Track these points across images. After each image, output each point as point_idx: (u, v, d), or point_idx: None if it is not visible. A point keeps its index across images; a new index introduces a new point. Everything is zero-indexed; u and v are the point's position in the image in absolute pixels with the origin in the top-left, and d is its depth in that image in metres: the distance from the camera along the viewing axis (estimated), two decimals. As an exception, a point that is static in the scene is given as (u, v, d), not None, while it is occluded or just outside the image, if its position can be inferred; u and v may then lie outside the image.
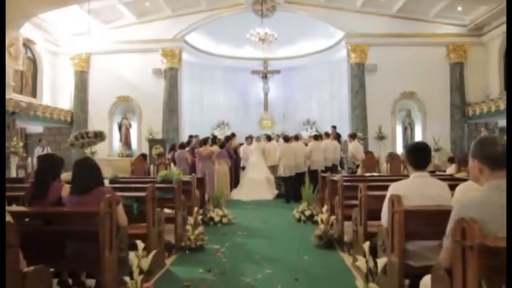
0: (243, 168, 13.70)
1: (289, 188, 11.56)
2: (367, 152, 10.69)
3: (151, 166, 10.13)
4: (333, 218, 6.72)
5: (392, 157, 10.50)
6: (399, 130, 16.00)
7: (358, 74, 15.72)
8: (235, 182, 12.81)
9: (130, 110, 16.25)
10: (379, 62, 15.72)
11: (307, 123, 17.93)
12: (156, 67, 15.93)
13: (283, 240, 7.21)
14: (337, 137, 13.75)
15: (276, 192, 12.39)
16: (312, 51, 17.61)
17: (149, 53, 15.91)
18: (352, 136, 12.87)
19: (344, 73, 16.47)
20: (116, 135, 16.23)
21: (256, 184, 12.29)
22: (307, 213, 8.54)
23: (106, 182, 7.74)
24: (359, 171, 10.17)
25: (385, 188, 4.31)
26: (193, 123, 17.14)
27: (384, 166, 10.30)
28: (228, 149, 12.54)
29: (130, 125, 16.18)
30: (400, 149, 15.84)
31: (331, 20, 15.90)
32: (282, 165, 11.55)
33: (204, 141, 11.91)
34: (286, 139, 11.82)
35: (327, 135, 12.70)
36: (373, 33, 15.60)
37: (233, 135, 13.38)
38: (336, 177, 7.56)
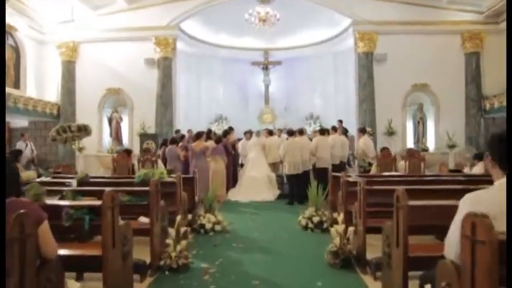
0: (242, 165, 12.22)
1: (294, 187, 10.08)
2: (383, 149, 9.19)
3: (136, 163, 8.68)
4: (350, 229, 5.24)
5: (410, 154, 8.99)
6: (410, 125, 14.50)
7: (367, 64, 14.21)
8: (232, 181, 11.33)
9: (121, 102, 14.76)
10: (389, 51, 14.20)
11: (310, 118, 16.44)
12: (148, 57, 14.41)
13: (288, 256, 5.73)
14: (344, 132, 12.24)
15: (278, 192, 10.92)
16: (316, 41, 16.08)
17: (141, 41, 14.39)
18: (362, 131, 11.39)
19: (351, 64, 14.96)
20: (106, 129, 14.75)
21: (256, 183, 10.81)
22: (316, 219, 7.06)
23: (73, 183, 6.31)
24: (373, 170, 8.69)
25: (428, 194, 3.04)
26: (190, 117, 15.67)
27: (402, 164, 8.81)
28: (225, 144, 11.06)
29: (121, 119, 14.69)
30: (410, 146, 14.37)
31: (337, 7, 14.36)
32: (286, 162, 10.07)
33: (198, 136, 10.44)
34: (291, 133, 10.33)
35: (334, 129, 11.21)
36: (383, 21, 14.07)
37: (231, 129, 11.89)
38: (353, 177, 6.08)
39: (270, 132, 12.03)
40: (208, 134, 11.10)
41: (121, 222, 3.86)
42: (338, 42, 15.53)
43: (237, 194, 10.76)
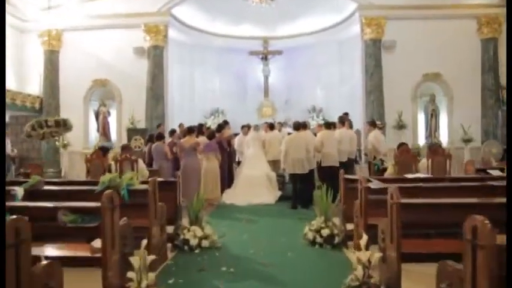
0: (239, 163, 10.80)
1: (297, 189, 8.64)
2: (401, 144, 7.67)
3: (113, 164, 7.23)
4: (376, 255, 3.82)
5: (434, 150, 7.47)
6: (421, 118, 13.04)
7: (374, 52, 12.73)
8: (228, 181, 9.91)
9: (108, 95, 13.31)
10: (398, 38, 12.72)
11: (313, 111, 14.95)
12: (138, 45, 12.95)
13: (294, 286, 4.31)
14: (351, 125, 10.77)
15: (279, 193, 9.49)
16: (319, 28, 14.55)
17: (130, 29, 12.91)
18: (372, 124, 9.94)
19: (357, 52, 13.47)
20: (93, 124, 13.30)
21: (254, 183, 9.39)
22: (325, 233, 5.63)
23: (18, 192, 4.88)
24: (390, 170, 7.22)
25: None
26: (183, 110, 14.21)
27: (423, 163, 7.34)
28: (220, 140, 9.63)
29: (108, 113, 13.24)
30: (422, 140, 12.94)
31: (342, -10, 12.90)
32: (290, 159, 8.61)
33: (189, 131, 9.01)
34: (298, 126, 8.83)
35: (342, 122, 9.75)
36: (392, 5, 12.56)
37: (225, 123, 10.46)
38: (376, 183, 4.66)
39: (271, 126, 10.59)
40: (200, 129, 9.67)
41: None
42: (343, 29, 14.02)
43: (232, 196, 9.34)
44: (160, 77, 12.94)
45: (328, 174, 8.87)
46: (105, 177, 4.75)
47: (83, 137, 13.12)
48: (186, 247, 5.45)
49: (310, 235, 5.74)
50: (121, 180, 4.68)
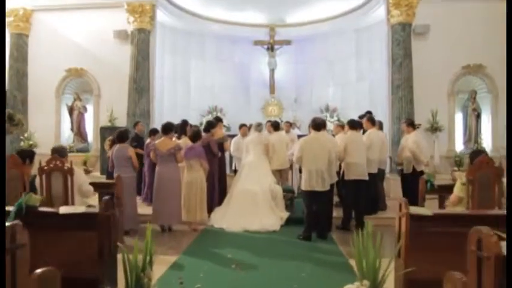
0: (235, 171, 8.07)
1: (314, 212, 5.83)
2: (477, 153, 4.66)
3: (37, 176, 4.54)
4: None
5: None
6: (459, 118, 10.22)
7: (403, 38, 9.91)
8: (219, 196, 7.14)
9: (85, 87, 10.65)
10: (432, 21, 9.93)
11: (326, 110, 12.15)
12: (119, 28, 10.28)
13: None
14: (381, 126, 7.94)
15: (285, 215, 6.71)
16: (333, 15, 11.73)
17: (110, 9, 10.21)
18: (411, 124, 7.13)
19: (379, 41, 10.73)
20: (66, 122, 10.64)
21: (253, 202, 6.61)
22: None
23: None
24: (458, 192, 4.38)
25: None
26: (175, 108, 11.53)
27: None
28: (208, 142, 6.89)
29: (85, 109, 10.56)
30: (459, 146, 10.11)
31: (364, -35, 10.16)
32: (306, 171, 5.77)
33: (165, 129, 6.29)
34: (318, 125, 5.93)
35: (372, 121, 6.96)
36: (425, -19, 9.83)
37: (217, 120, 7.69)
38: None
39: (276, 126, 7.83)
40: (184, 127, 6.93)
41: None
42: (363, 14, 11.20)
43: (222, 218, 6.56)
44: (145, 66, 10.23)
45: (353, 191, 6.12)
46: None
47: (54, 136, 10.44)
48: None
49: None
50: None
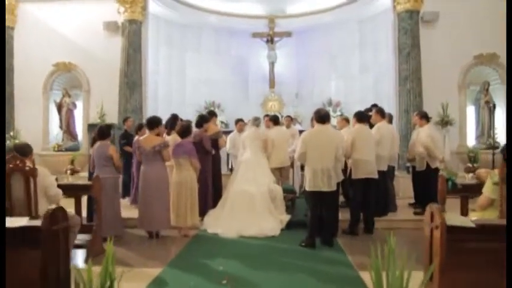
0: (231, 170, 7.33)
1: (318, 216, 5.06)
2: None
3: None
4: None
5: None
6: (471, 112, 9.45)
7: (411, 26, 9.14)
8: (214, 198, 6.39)
9: (74, 83, 9.92)
10: (441, 8, 9.18)
11: (329, 105, 11.33)
12: (109, 19, 9.54)
13: None
14: (390, 119, 7.16)
15: (286, 218, 5.95)
16: (337, 4, 10.92)
17: (100, -1, 9.55)
18: (424, 116, 6.36)
19: (384, 31, 9.97)
20: (55, 119, 9.91)
21: (250, 204, 5.85)
22: None
23: None
24: (488, 192, 3.64)
25: None
26: (170, 104, 10.72)
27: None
28: (201, 138, 6.15)
29: (74, 105, 9.83)
30: (471, 141, 9.34)
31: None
32: (310, 169, 4.99)
33: (150, 124, 5.54)
34: (322, 117, 5.02)
35: (382, 114, 6.19)
36: (434, -35, 9.05)
37: (211, 114, 6.90)
38: None
39: (275, 120, 7.06)
40: (174, 122, 6.19)
41: None
42: (367, 3, 10.43)
43: (217, 222, 5.81)
44: (137, 59, 9.50)
45: (362, 192, 5.37)
46: None
47: (42, 135, 9.74)
48: None
49: None
50: None
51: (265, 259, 4.64)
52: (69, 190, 4.92)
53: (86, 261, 4.53)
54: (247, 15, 11.48)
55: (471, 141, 9.32)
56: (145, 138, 5.44)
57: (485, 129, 9.17)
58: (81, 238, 4.66)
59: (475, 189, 4.50)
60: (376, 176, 5.50)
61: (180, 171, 5.51)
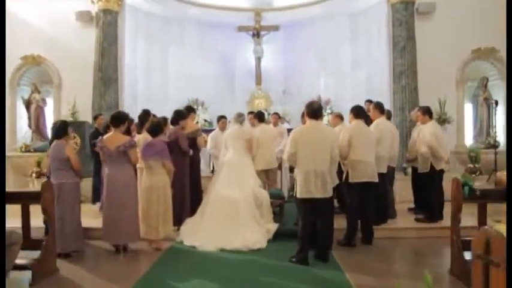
0: (213, 171, 6.50)
1: (311, 226, 4.25)
2: None
3: None
4: None
5: None
6: (468, 109, 8.77)
7: (406, 18, 8.43)
8: (192, 204, 5.53)
9: (43, 77, 8.99)
10: (438, 0, 8.51)
11: (318, 103, 10.59)
12: (82, 9, 8.64)
13: None
14: (389, 115, 6.39)
15: (274, 227, 5.13)
16: (326, -4, 10.24)
17: (72, -13, 8.64)
18: (427, 111, 5.61)
19: (376, 25, 9.28)
20: (23, 117, 8.96)
21: (232, 211, 5.02)
22: None
23: None
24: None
25: None
26: (151, 101, 9.72)
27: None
28: (176, 137, 5.30)
29: (44, 102, 8.90)
30: (469, 140, 8.67)
31: None
32: (302, 172, 4.14)
33: (115, 121, 4.68)
34: (315, 112, 4.19)
35: (381, 109, 5.43)
36: (430, -47, 8.36)
37: (189, 110, 6.03)
38: None
39: (259, 117, 6.24)
40: (145, 119, 5.33)
41: None
42: (357, -5, 9.73)
43: (195, 233, 4.96)
44: (112, 52, 8.63)
45: (360, 197, 4.59)
46: None
47: (8, 134, 8.76)
48: None
49: None
50: None
51: (248, 280, 3.83)
52: (14, 199, 4.04)
53: (32, 284, 3.68)
54: (232, 8, 10.65)
55: (468, 140, 8.64)
56: (109, 137, 4.58)
57: (484, 127, 8.49)
58: (26, 256, 3.80)
59: (495, 196, 3.77)
60: (376, 180, 4.73)
61: (150, 175, 4.66)
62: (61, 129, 4.51)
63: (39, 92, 8.84)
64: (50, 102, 8.92)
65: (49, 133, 8.73)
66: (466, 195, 3.71)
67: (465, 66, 8.59)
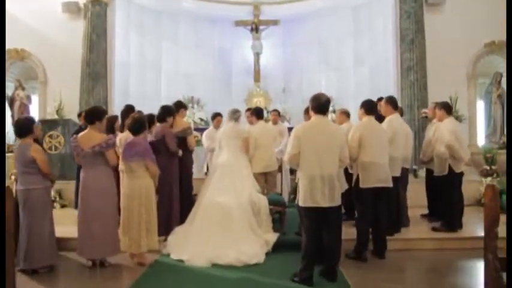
0: (207, 173, 5.84)
1: (315, 240, 3.58)
2: None
3: None
4: None
5: None
6: (481, 106, 8.12)
7: (415, 10, 7.79)
8: (182, 211, 4.86)
9: (28, 73, 8.35)
10: (449, -10, 7.89)
11: (320, 101, 9.93)
12: (69, 0, 7.99)
13: None
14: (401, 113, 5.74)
15: (273, 237, 4.46)
16: (328, -11, 9.58)
17: (58, -24, 7.98)
18: (447, 107, 4.95)
19: (384, 15, 8.63)
20: (7, 115, 8.27)
21: (226, 220, 4.35)
22: None
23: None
24: None
25: None
26: (143, 99, 9.13)
27: None
28: (163, 134, 4.64)
29: (29, 99, 8.24)
30: (481, 139, 8.02)
31: None
32: (303, 175, 3.44)
33: (89, 117, 4.01)
34: (321, 107, 3.54)
35: (394, 105, 4.78)
36: None
37: (179, 106, 5.34)
38: None
39: (257, 113, 5.56)
40: (126, 115, 4.65)
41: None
42: (362, -13, 9.07)
43: (182, 245, 4.30)
44: (101, 46, 8.00)
45: (372, 205, 3.92)
46: None
47: (-9, 133, 8.11)
48: None
49: None
50: None
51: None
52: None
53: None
54: (230, 1, 10.00)
55: (481, 140, 7.99)
56: (84, 136, 3.91)
57: (498, 126, 7.84)
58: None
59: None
60: (390, 185, 4.07)
61: (131, 179, 3.99)
62: (24, 126, 3.84)
63: (23, 89, 8.20)
64: (35, 99, 8.26)
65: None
66: (503, 206, 3.05)
67: (477, 61, 7.95)
